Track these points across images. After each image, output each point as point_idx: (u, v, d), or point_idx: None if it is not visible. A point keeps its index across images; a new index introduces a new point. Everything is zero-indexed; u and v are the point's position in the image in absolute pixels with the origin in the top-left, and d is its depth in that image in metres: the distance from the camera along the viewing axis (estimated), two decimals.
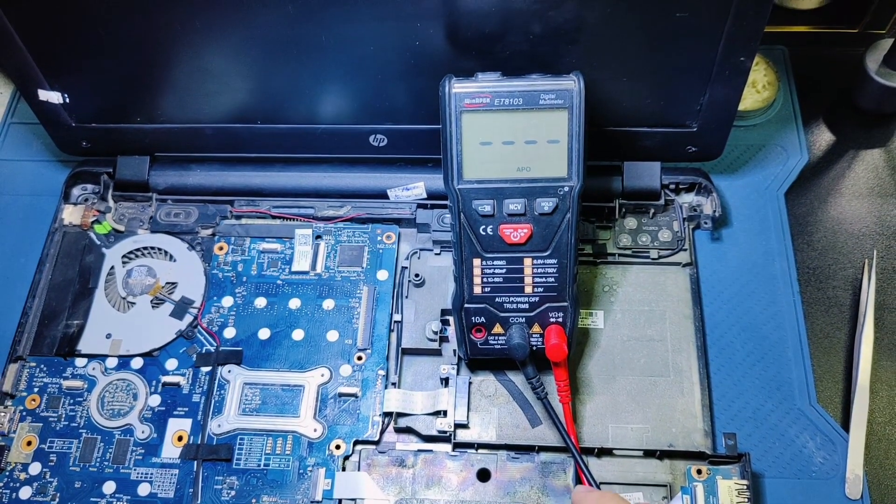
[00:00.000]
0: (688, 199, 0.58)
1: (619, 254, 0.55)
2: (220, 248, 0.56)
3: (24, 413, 0.51)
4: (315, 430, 0.49)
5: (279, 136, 0.56)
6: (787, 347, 0.53)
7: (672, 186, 0.57)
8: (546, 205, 0.46)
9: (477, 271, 0.48)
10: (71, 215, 0.58)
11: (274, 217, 0.57)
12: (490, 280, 0.48)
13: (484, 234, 0.47)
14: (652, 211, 0.56)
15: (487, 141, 0.46)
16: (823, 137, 0.64)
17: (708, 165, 0.58)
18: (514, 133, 0.45)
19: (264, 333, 0.53)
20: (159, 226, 0.57)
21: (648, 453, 0.48)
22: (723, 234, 0.57)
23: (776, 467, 0.49)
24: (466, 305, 0.48)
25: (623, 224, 0.56)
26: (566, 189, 0.46)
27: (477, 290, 0.48)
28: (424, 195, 0.57)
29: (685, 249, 0.55)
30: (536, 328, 0.48)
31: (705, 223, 0.56)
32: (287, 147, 0.57)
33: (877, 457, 0.50)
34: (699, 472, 0.47)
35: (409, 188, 0.57)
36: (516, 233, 0.47)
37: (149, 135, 0.57)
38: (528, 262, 0.47)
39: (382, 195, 0.57)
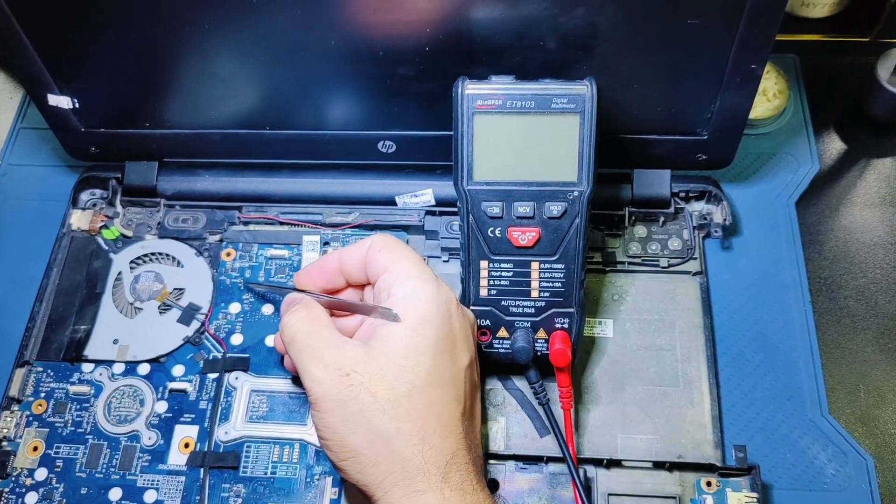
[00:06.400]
0: (698, 207, 0.57)
1: (628, 262, 0.55)
2: (228, 254, 0.56)
3: (31, 418, 0.50)
4: None
5: (287, 142, 0.56)
6: (798, 358, 0.52)
7: (682, 195, 0.57)
8: (555, 209, 0.46)
9: (483, 273, 0.48)
10: (79, 220, 0.58)
11: (282, 223, 0.57)
12: (496, 283, 0.48)
13: (492, 235, 0.47)
14: (662, 219, 0.56)
15: (498, 143, 0.46)
16: (834, 146, 0.63)
17: (718, 174, 0.57)
18: (525, 136, 0.45)
19: (271, 341, 0.52)
20: (167, 231, 0.57)
21: (658, 465, 0.47)
22: (733, 243, 0.57)
23: (787, 479, 0.48)
24: (472, 307, 0.48)
25: (633, 232, 0.56)
26: (575, 194, 0.46)
27: (483, 292, 0.48)
28: (433, 202, 0.56)
29: (695, 258, 0.55)
30: (542, 333, 0.48)
31: (715, 232, 0.55)
32: (295, 153, 0.57)
33: (891, 469, 0.49)
34: (709, 484, 0.47)
35: (418, 195, 0.56)
36: (524, 236, 0.47)
37: (157, 140, 0.57)
38: (535, 265, 0.47)
39: (390, 202, 0.57)
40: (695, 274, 0.55)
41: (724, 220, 0.56)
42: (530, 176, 0.46)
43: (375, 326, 0.42)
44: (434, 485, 0.38)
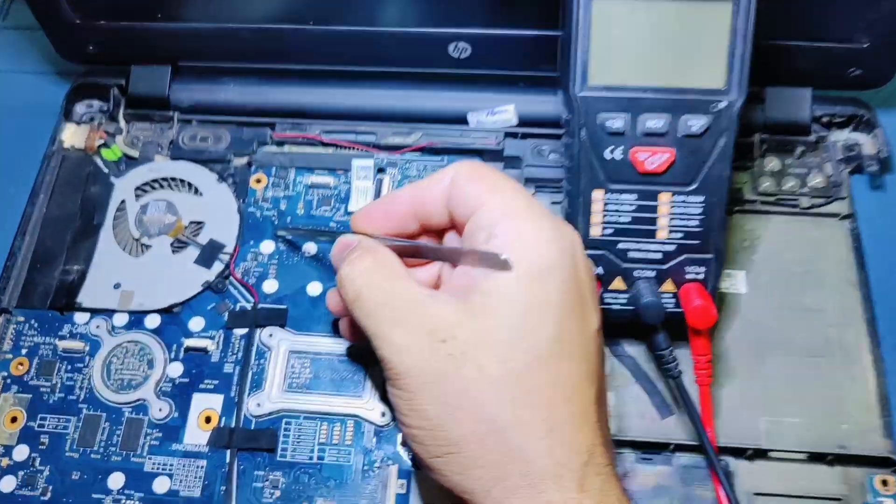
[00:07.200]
0: (843, 135, 0.50)
1: (760, 201, 0.48)
2: (258, 181, 0.50)
3: (9, 381, 0.44)
4: (384, 415, 0.42)
5: (334, 42, 0.50)
6: None
7: (825, 119, 0.49)
8: (695, 124, 0.38)
9: (597, 207, 0.40)
10: (73, 137, 0.53)
11: (325, 144, 0.51)
12: (614, 219, 0.40)
13: (610, 158, 0.40)
14: (800, 149, 0.49)
15: (623, 37, 0.39)
16: None
17: (867, 95, 0.49)
18: (660, 28, 0.38)
19: (314, 288, 0.46)
20: (182, 152, 0.51)
21: (815, 457, 0.40)
22: (886, 182, 0.49)
23: None
24: None
25: (763, 164, 0.49)
26: (723, 105, 0.38)
27: (595, 231, 0.40)
28: (515, 122, 0.50)
29: (842, 198, 0.48)
30: (668, 286, 0.40)
31: (869, 165, 0.48)
32: (344, 56, 0.51)
33: None
34: (885, 483, 0.39)
35: (496, 112, 0.50)
36: (653, 158, 0.39)
37: (171, 37, 0.51)
38: (664, 198, 0.40)
39: (462, 120, 0.51)
40: (843, 217, 0.47)
41: (878, 151, 0.49)
42: (664, 80, 0.39)
43: (474, 278, 0.32)
44: (569, 494, 0.29)
